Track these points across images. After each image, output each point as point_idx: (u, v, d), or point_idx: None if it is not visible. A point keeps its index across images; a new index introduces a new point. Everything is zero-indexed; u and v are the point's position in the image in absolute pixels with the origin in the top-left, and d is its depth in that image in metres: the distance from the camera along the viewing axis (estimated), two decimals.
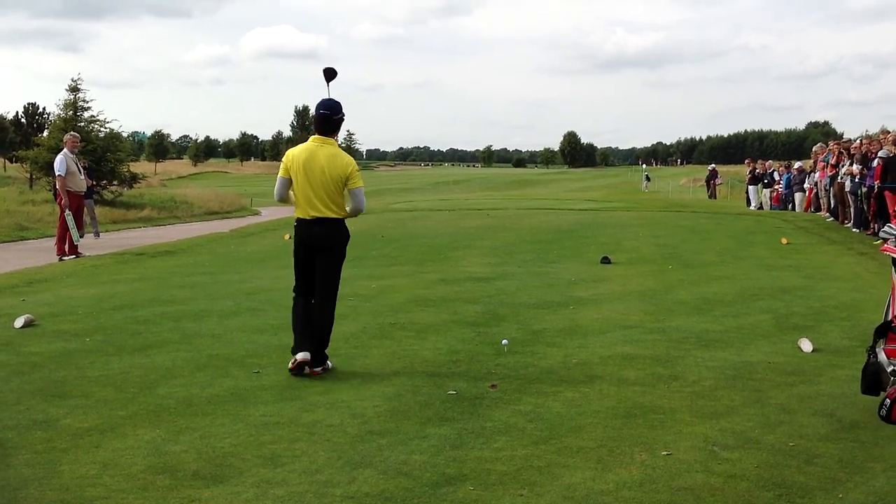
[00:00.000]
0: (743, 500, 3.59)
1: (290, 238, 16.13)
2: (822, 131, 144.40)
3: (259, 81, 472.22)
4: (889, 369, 4.71)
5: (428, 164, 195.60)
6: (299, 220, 5.82)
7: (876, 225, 14.35)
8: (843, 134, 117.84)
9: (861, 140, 16.86)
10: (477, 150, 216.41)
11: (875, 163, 14.64)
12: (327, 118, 5.74)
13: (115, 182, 30.52)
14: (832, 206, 18.40)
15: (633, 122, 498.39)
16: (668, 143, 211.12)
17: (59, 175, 13.71)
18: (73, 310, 8.26)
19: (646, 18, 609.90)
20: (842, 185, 16.91)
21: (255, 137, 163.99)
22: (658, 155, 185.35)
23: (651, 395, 5.18)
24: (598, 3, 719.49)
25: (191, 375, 5.73)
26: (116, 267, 12.32)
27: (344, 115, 5.80)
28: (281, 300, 8.67)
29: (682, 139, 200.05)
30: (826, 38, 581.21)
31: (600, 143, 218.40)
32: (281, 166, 5.85)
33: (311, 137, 5.81)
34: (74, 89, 29.96)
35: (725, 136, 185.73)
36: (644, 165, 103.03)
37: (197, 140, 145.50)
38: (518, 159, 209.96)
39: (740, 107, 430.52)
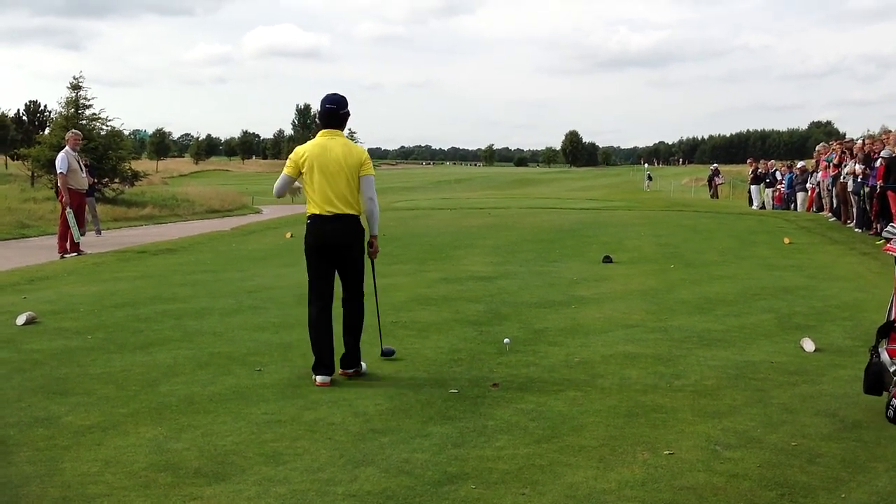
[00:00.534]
0: (745, 499, 3.58)
1: (291, 236, 16.17)
2: (824, 131, 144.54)
3: (261, 80, 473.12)
4: (892, 369, 4.70)
5: (429, 163, 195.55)
6: (313, 217, 5.60)
7: (878, 225, 14.32)
8: (845, 134, 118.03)
9: (864, 140, 16.83)
10: (478, 150, 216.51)
11: (878, 162, 14.62)
12: (334, 112, 5.63)
13: (117, 180, 30.50)
14: (834, 205, 18.38)
15: (634, 122, 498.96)
16: (670, 143, 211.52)
17: (60, 173, 13.71)
18: (75, 307, 8.27)
19: (647, 18, 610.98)
20: (844, 185, 16.89)
21: (257, 136, 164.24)
22: (660, 154, 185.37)
23: (653, 395, 5.17)
24: (599, 2, 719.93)
25: (192, 373, 5.72)
26: (118, 265, 12.32)
27: (349, 110, 5.69)
28: (282, 298, 8.67)
29: (685, 139, 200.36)
30: (828, 37, 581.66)
31: (602, 143, 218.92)
32: (289, 162, 5.65)
33: (320, 133, 5.68)
34: (76, 87, 29.95)
35: (727, 135, 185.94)
36: (646, 165, 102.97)
37: (198, 138, 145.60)
38: (520, 158, 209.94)
39: (742, 106, 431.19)
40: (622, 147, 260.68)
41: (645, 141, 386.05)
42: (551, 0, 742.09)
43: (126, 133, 37.33)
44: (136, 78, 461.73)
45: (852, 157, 16.64)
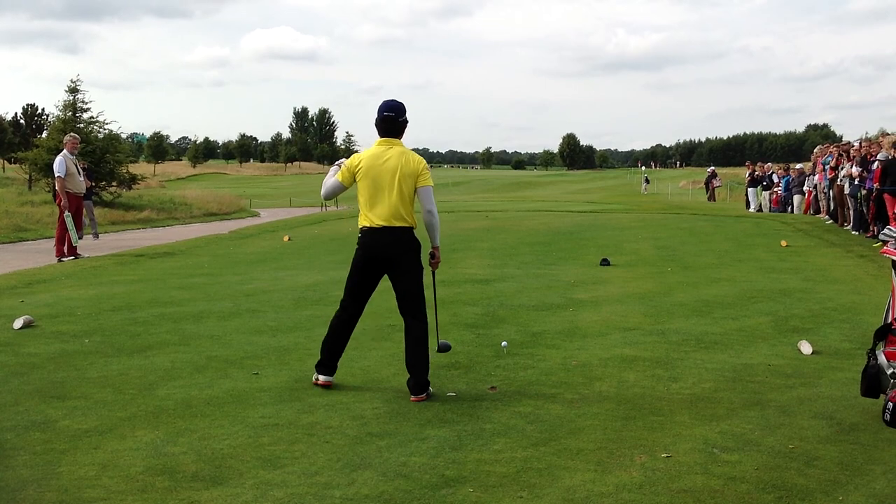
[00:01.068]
0: (743, 502, 3.59)
1: (289, 240, 16.16)
2: (821, 134, 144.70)
3: (259, 83, 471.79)
4: (889, 372, 4.71)
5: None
6: (364, 229, 5.36)
7: (875, 227, 14.36)
8: (842, 137, 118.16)
9: (860, 142, 16.87)
10: (476, 152, 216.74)
11: (874, 165, 14.66)
12: (392, 120, 5.36)
13: (115, 183, 30.52)
14: (831, 208, 18.41)
15: (632, 124, 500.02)
16: (667, 146, 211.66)
17: (58, 176, 13.71)
18: (72, 311, 8.26)
19: (646, 20, 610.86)
20: (841, 188, 16.92)
21: (255, 139, 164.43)
22: (657, 157, 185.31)
23: (650, 398, 5.18)
24: (597, 4, 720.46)
25: (190, 377, 5.72)
26: (115, 268, 12.31)
27: (407, 118, 5.42)
28: (280, 301, 8.67)
29: (682, 141, 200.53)
30: (826, 40, 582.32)
31: (599, 145, 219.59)
32: (344, 169, 5.40)
33: (377, 141, 5.39)
34: (74, 90, 29.98)
35: (725, 138, 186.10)
36: (643, 167, 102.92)
37: (196, 141, 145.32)
38: (517, 161, 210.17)
39: (740, 109, 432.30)
40: (619, 150, 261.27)
41: (642, 143, 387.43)
42: (550, 2, 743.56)
43: (124, 136, 37.35)
44: (134, 80, 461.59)
45: (849, 159, 16.69)
